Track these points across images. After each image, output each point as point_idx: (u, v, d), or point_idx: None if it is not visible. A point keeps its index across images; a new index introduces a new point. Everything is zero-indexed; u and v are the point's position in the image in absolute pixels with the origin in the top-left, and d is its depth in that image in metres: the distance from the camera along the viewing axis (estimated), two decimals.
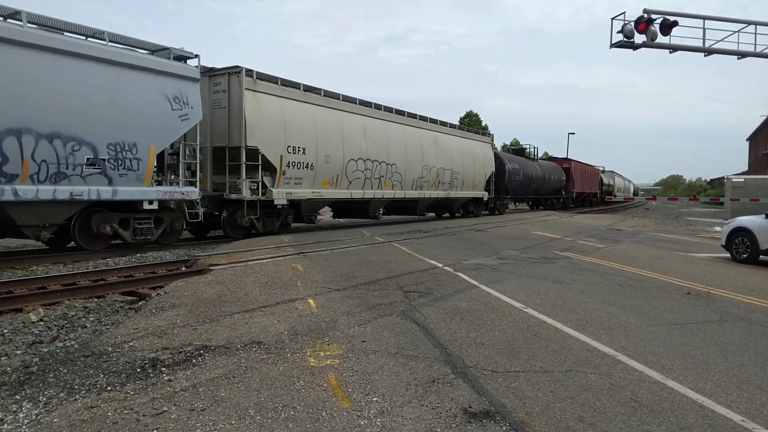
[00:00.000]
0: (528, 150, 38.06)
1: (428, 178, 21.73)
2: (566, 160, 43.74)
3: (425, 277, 8.53)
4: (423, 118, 21.99)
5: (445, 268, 9.45)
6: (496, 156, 29.10)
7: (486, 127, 61.23)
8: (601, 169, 56.41)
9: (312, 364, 4.44)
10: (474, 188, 26.08)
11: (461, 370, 4.34)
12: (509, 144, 69.28)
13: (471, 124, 59.87)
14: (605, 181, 56.53)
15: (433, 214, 26.92)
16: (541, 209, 38.22)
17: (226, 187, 13.80)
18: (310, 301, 6.70)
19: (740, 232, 12.51)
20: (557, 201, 40.91)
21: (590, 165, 50.33)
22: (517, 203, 42.26)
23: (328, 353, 4.72)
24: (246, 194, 13.66)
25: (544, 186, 36.28)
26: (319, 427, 3.33)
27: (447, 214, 26.65)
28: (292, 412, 3.51)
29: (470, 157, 25.28)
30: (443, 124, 23.59)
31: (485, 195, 27.26)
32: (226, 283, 7.66)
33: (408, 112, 20.82)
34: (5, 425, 3.34)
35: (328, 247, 12.08)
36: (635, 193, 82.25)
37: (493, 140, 28.84)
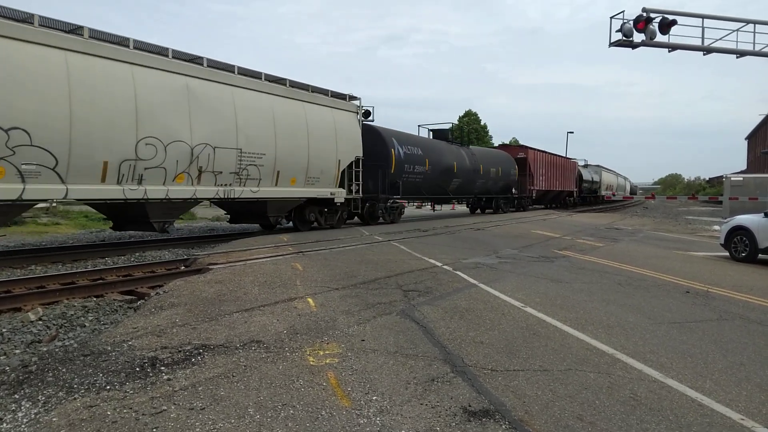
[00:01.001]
0: (452, 130, 27.16)
1: (161, 162, 11.25)
2: (522, 147, 33.96)
3: (424, 276, 8.53)
4: (143, 47, 11.33)
5: (444, 266, 9.44)
6: (371, 133, 18.46)
7: (485, 127, 60.96)
8: (583, 163, 48.96)
9: (311, 363, 4.44)
10: (312, 183, 15.59)
11: (461, 369, 4.34)
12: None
13: (470, 123, 59.44)
14: (586, 176, 47.62)
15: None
16: (489, 212, 29.60)
17: None
18: (310, 300, 6.70)
19: (739, 230, 12.51)
20: (505, 202, 30.44)
21: (562, 156, 41.68)
22: (437, 206, 32.82)
23: (327, 352, 4.72)
24: None
25: (476, 182, 26.17)
26: (319, 425, 3.32)
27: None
28: (291, 411, 3.51)
29: (297, 129, 14.89)
30: (216, 66, 12.86)
31: (339, 194, 16.67)
32: (225, 282, 7.65)
33: (92, 30, 10.31)
34: (4, 424, 3.33)
35: (327, 246, 12.08)
36: (633, 192, 78.11)
37: (360, 108, 17.88)
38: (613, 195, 55.05)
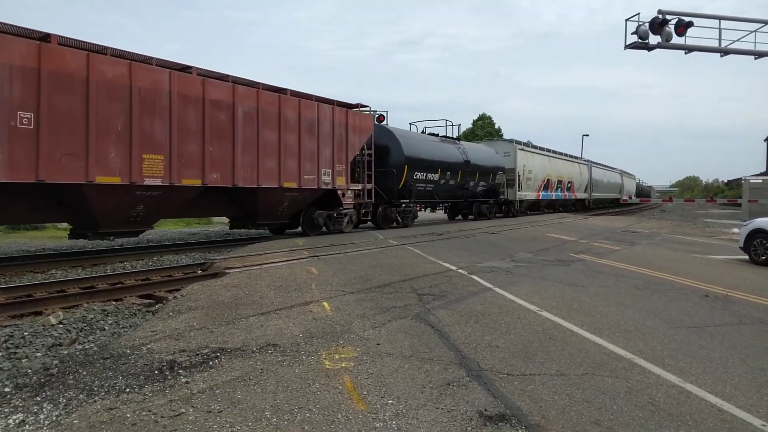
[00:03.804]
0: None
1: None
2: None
3: (439, 279, 8.51)
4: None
5: (459, 270, 9.42)
6: None
7: (499, 130, 60.78)
8: (440, 130, 23.25)
9: (327, 366, 4.46)
10: None
11: (476, 373, 4.33)
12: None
13: (484, 126, 59.41)
14: (415, 153, 19.16)
15: None
16: None
17: None
18: (325, 303, 6.73)
19: (759, 233, 12.32)
20: None
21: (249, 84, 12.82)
22: None
23: (342, 356, 4.74)
24: None
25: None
26: (335, 429, 3.34)
27: None
28: (307, 415, 3.53)
29: None
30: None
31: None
32: (241, 286, 7.71)
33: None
34: (27, 426, 3.40)
35: (341, 250, 12.11)
36: (643, 194, 67.64)
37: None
38: (630, 198, 52.76)
